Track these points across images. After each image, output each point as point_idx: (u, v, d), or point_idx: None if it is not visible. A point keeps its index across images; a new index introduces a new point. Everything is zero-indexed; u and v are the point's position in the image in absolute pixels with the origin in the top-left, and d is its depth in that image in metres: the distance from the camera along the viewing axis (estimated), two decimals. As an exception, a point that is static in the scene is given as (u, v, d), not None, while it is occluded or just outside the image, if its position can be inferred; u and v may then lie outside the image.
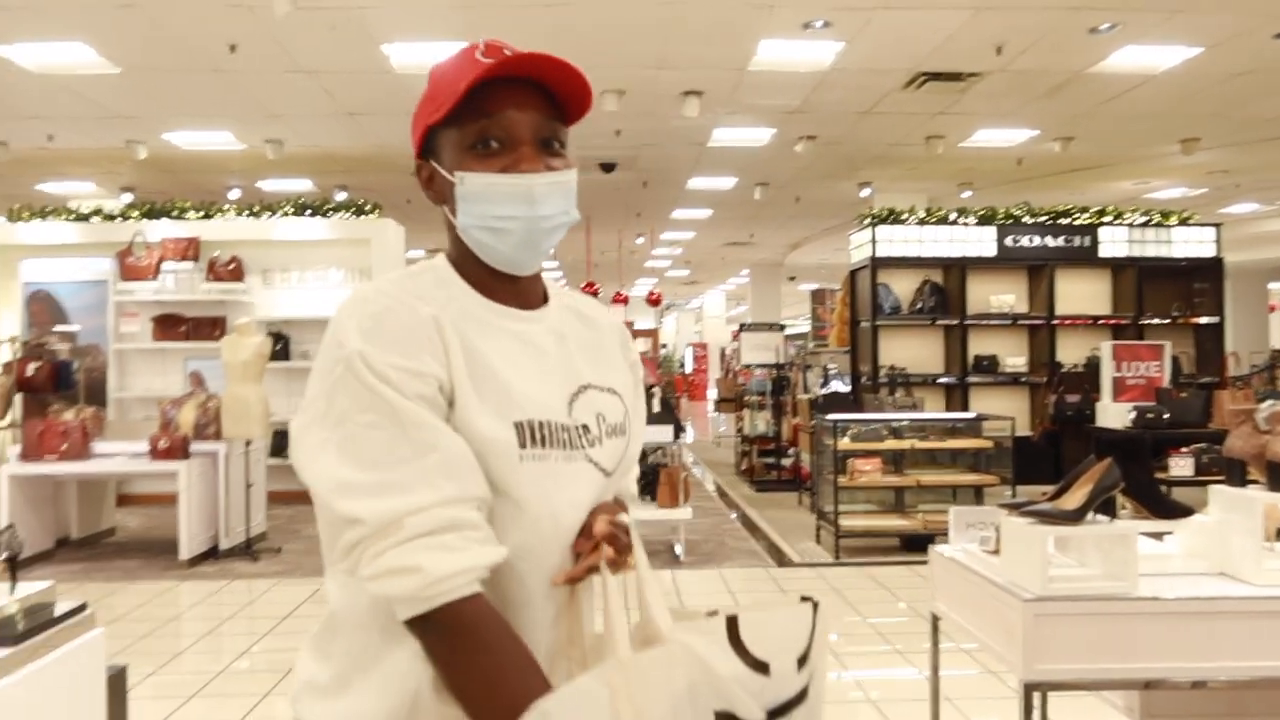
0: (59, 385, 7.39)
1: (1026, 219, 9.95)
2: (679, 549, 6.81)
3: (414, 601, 0.96)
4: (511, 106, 1.11)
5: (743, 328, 11.93)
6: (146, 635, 5.01)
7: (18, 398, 7.36)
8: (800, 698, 1.05)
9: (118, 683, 2.83)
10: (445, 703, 1.01)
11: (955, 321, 9.82)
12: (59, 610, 2.32)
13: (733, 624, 1.01)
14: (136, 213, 8.54)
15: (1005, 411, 7.85)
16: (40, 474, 6.71)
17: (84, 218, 8.49)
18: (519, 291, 1.17)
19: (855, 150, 9.86)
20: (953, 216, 9.90)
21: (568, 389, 1.15)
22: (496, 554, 1.01)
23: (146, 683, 4.19)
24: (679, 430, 6.87)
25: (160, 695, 4.06)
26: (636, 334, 19.77)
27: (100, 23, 6.02)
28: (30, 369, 7.25)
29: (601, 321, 1.29)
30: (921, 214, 9.90)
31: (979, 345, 9.91)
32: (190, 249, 8.15)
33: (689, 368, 27.32)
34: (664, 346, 28.04)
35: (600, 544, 1.10)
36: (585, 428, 1.14)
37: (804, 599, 1.09)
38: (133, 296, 8.14)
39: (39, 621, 2.22)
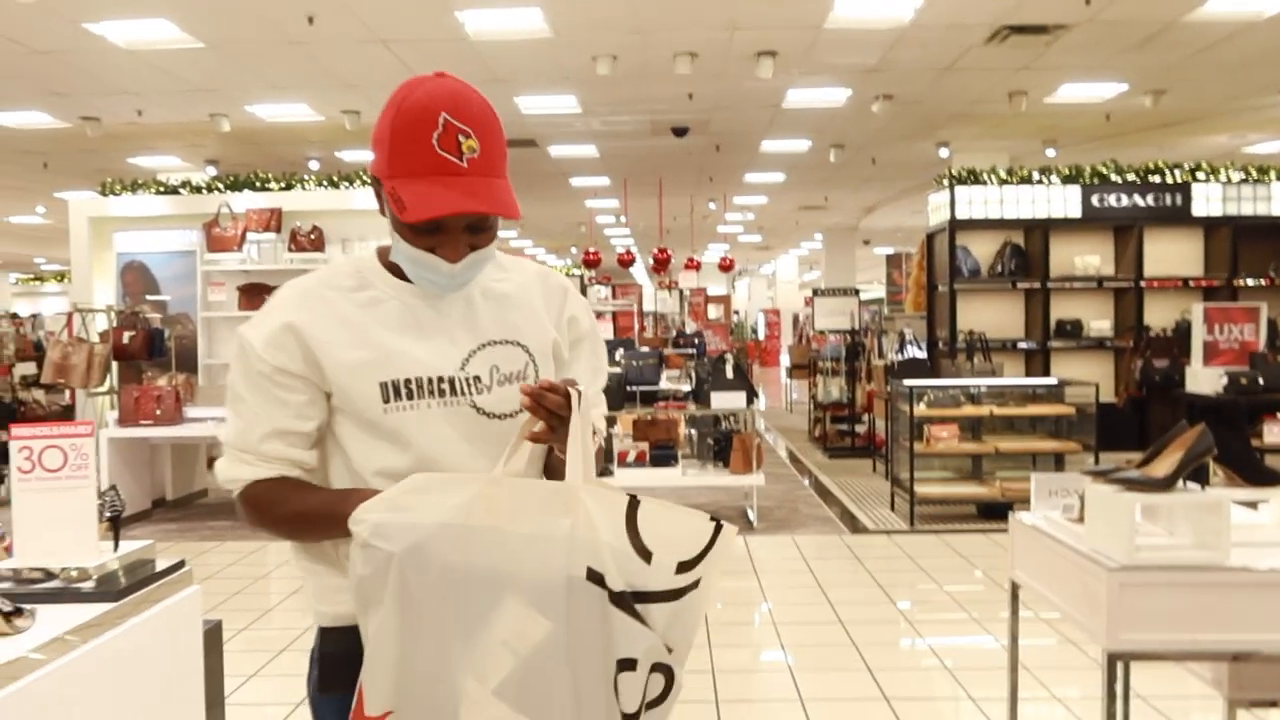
0: (152, 353, 7.68)
1: (1114, 177, 9.58)
2: (752, 515, 6.81)
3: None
4: (453, 217, 1.33)
5: (816, 293, 11.79)
6: (238, 592, 5.22)
7: (114, 365, 7.67)
8: (667, 596, 1.17)
9: (214, 637, 2.95)
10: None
11: (1037, 285, 9.54)
12: (159, 567, 2.43)
13: (633, 506, 1.16)
14: (221, 185, 8.77)
15: (1089, 377, 7.63)
16: (137, 438, 7.01)
17: (172, 190, 8.74)
18: None
19: (934, 109, 9.60)
20: (1036, 176, 9.59)
21: (464, 347, 1.42)
22: (256, 474, 1.40)
23: (239, 637, 4.38)
24: (751, 396, 6.84)
25: (252, 649, 4.24)
26: (709, 300, 19.70)
27: (184, -2, 6.16)
28: (125, 337, 7.55)
29: (534, 286, 1.53)
30: (1003, 174, 9.61)
31: (1062, 309, 9.62)
32: (273, 220, 8.34)
33: (761, 334, 27.13)
34: (736, 313, 27.88)
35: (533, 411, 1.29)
36: (477, 379, 1.41)
37: (712, 519, 1.21)
38: (219, 266, 8.39)
39: (140, 578, 2.32)
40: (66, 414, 8.55)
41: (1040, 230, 9.55)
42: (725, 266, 18.05)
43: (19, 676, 1.82)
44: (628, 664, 1.15)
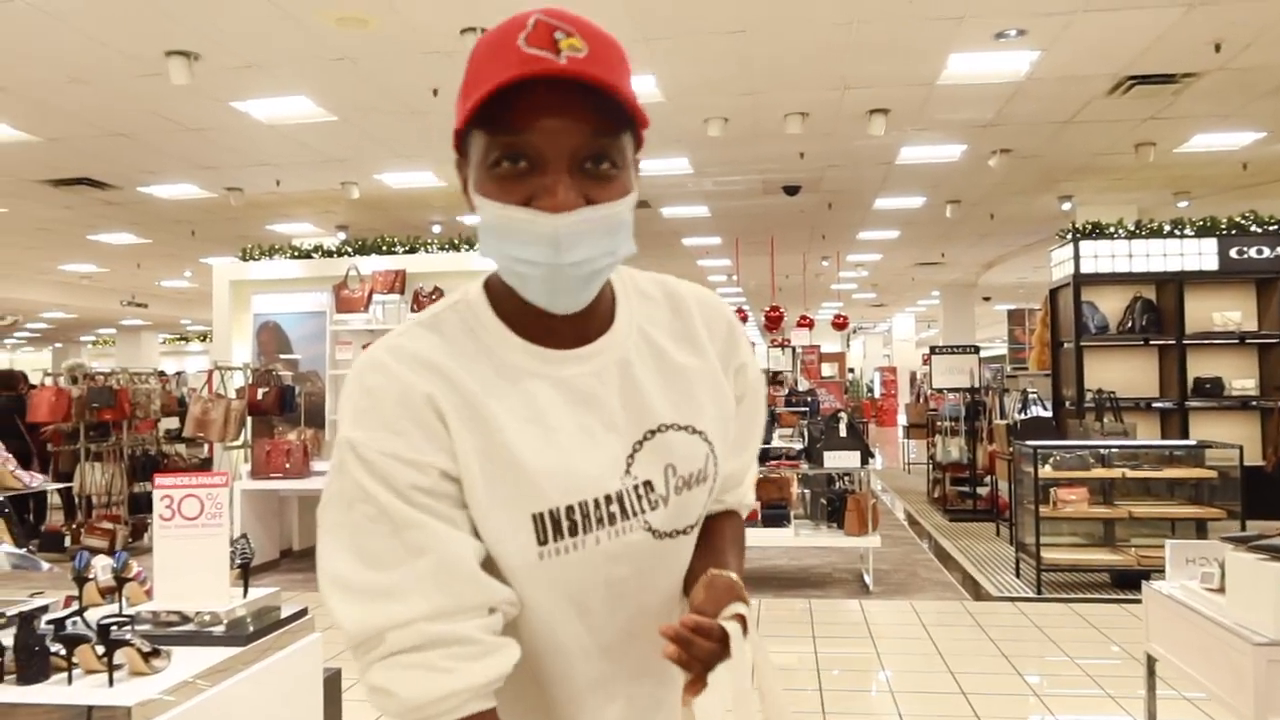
0: (284, 408, 8.05)
1: (1254, 228, 9.10)
2: (868, 578, 6.62)
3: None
4: (547, 116, 0.87)
5: (934, 350, 11.52)
6: (357, 642, 5.36)
7: (248, 420, 8.07)
8: None
9: (333, 684, 3.03)
10: None
11: (1171, 341, 9.08)
12: (283, 614, 2.52)
13: None
14: (350, 248, 9.22)
15: (1231, 438, 7.18)
16: (267, 489, 7.32)
17: (305, 254, 9.24)
18: (567, 324, 0.96)
19: (1055, 162, 9.36)
20: (1167, 228, 9.19)
21: (627, 440, 0.97)
22: (493, 669, 0.88)
23: (358, 687, 4.47)
24: (866, 456, 6.70)
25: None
26: (823, 357, 19.47)
27: (319, 76, 6.57)
28: (260, 394, 7.94)
29: (695, 322, 1.07)
30: (1131, 226, 9.25)
31: (1200, 366, 9.12)
32: (397, 281, 8.71)
33: (877, 392, 26.60)
34: (851, 371, 27.45)
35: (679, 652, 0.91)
36: (648, 485, 0.97)
37: None
38: (347, 326, 8.78)
39: (266, 624, 2.41)
40: (205, 466, 9.02)
41: (1174, 284, 9.11)
42: (839, 324, 17.84)
43: (152, 716, 1.91)
44: None
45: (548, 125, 0.87)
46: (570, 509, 0.93)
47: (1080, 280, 9.15)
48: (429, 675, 0.86)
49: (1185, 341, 9.03)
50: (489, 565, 0.93)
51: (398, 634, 0.86)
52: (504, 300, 0.98)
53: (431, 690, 0.86)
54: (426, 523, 0.89)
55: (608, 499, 0.95)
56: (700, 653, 0.90)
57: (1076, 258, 9.18)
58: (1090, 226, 9.26)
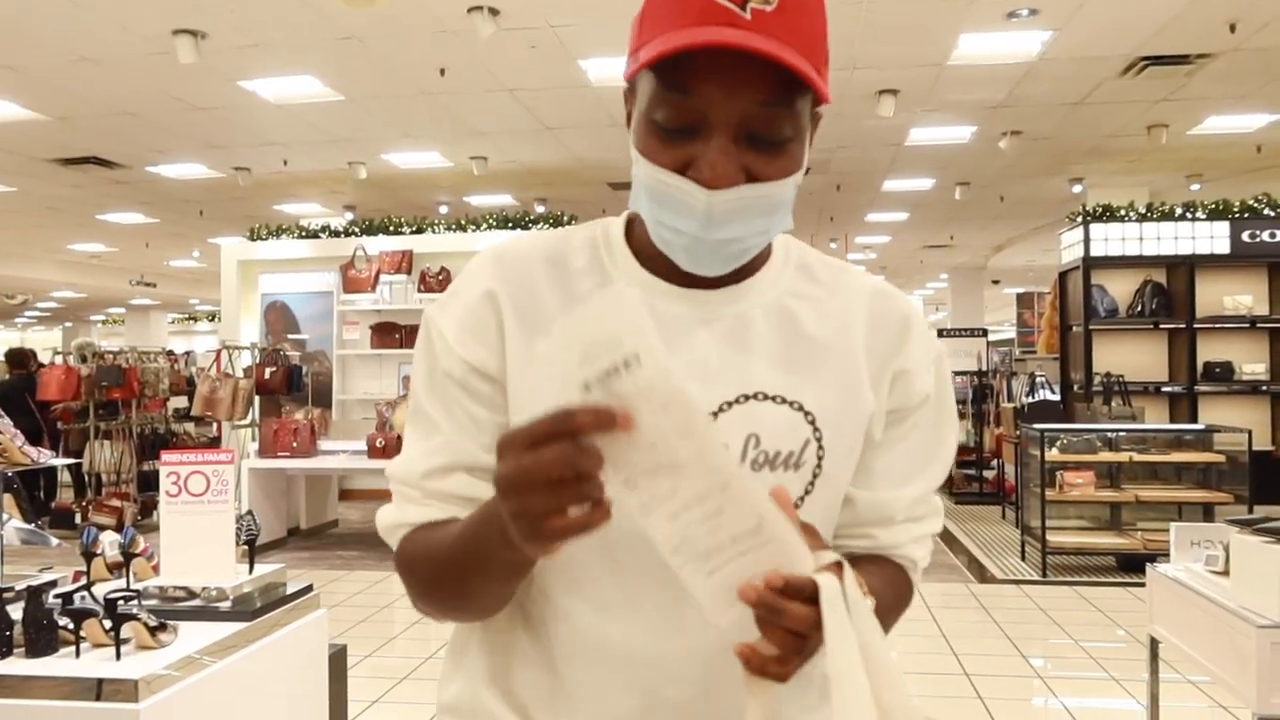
0: (291, 388, 8.08)
1: (1267, 211, 9.03)
2: (873, 560, 6.63)
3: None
4: (717, 79, 0.80)
5: (941, 333, 11.49)
6: (364, 620, 5.39)
7: (256, 399, 8.10)
8: None
9: (339, 660, 3.06)
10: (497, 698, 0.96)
11: (1182, 324, 9.04)
12: (289, 590, 2.54)
13: None
14: (358, 229, 9.22)
15: (1241, 423, 7.16)
16: (275, 468, 7.36)
17: (313, 234, 9.24)
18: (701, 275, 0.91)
19: (1066, 144, 9.29)
20: (1179, 211, 9.13)
21: (715, 396, 0.89)
22: (423, 515, 0.92)
23: (363, 664, 4.51)
24: (873, 438, 6.69)
25: (375, 676, 4.36)
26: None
27: (326, 55, 6.55)
28: (267, 373, 7.97)
29: (857, 313, 0.96)
30: (1142, 209, 9.19)
31: (1210, 350, 9.08)
32: (404, 262, 8.71)
33: (885, 375, 26.54)
34: (858, 353, 27.38)
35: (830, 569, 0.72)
36: (724, 447, 0.79)
37: None
38: (354, 306, 8.79)
39: (271, 600, 2.43)
40: (213, 445, 9.07)
41: (1184, 268, 9.07)
42: (847, 307, 17.77)
43: (156, 690, 1.92)
44: None
45: (716, 90, 0.80)
46: None
47: (1090, 263, 9.11)
48: (386, 510, 0.96)
49: (1195, 325, 8.99)
50: None
51: (397, 483, 0.96)
52: (641, 236, 0.94)
53: (381, 519, 0.97)
54: (434, 418, 0.93)
55: None
56: (790, 620, 0.70)
57: (1087, 240, 9.14)
58: (1101, 209, 9.21)
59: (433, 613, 0.94)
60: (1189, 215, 9.08)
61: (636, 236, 0.95)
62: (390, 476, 0.96)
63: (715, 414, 0.89)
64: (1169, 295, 9.16)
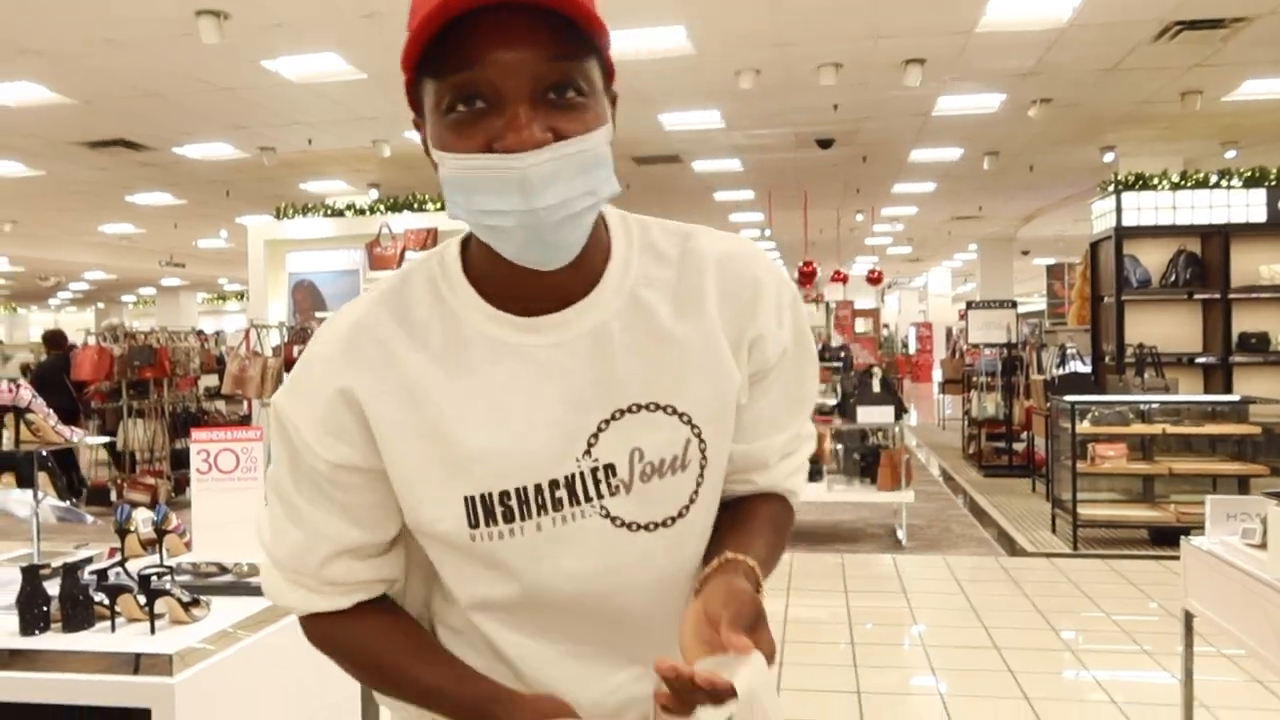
0: (319, 366, 8.12)
1: (1306, 179, 8.83)
2: (901, 533, 6.60)
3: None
4: (495, 45, 0.77)
5: (970, 305, 11.37)
6: (394, 595, 5.45)
7: (285, 377, 8.17)
8: None
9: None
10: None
11: (1216, 295, 8.88)
12: (319, 566, 2.56)
13: None
14: (383, 206, 9.24)
15: (1277, 394, 7.05)
16: (305, 446, 7.42)
17: (338, 213, 9.28)
18: (543, 287, 0.88)
19: (1097, 112, 9.12)
20: (1214, 179, 8.95)
21: (592, 419, 0.89)
22: (318, 605, 0.96)
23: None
24: (900, 411, 6.65)
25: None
26: (856, 313, 19.31)
27: (348, 34, 6.53)
28: (296, 351, 8.02)
29: (707, 285, 0.94)
30: (1175, 178, 9.02)
31: (1245, 321, 8.92)
32: (429, 239, 8.72)
33: (912, 348, 26.39)
34: (885, 326, 27.23)
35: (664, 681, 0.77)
36: (610, 469, 0.90)
37: None
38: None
39: (302, 575, 2.45)
40: (244, 423, 9.16)
41: (1219, 237, 8.90)
42: (874, 279, 17.66)
43: (191, 664, 1.95)
44: None
45: (498, 56, 0.77)
46: (505, 494, 0.88)
47: (1122, 233, 8.95)
48: (281, 588, 0.97)
49: (1230, 295, 8.83)
50: (421, 538, 0.95)
51: (269, 559, 0.98)
52: (479, 260, 0.91)
53: (279, 596, 0.98)
54: (299, 507, 0.94)
55: (554, 484, 0.89)
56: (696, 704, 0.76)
57: (1119, 210, 8.98)
58: (1134, 178, 9.05)
59: (354, 678, 1.02)
60: (1224, 183, 8.91)
61: (473, 264, 0.92)
62: (274, 560, 0.97)
63: (595, 435, 0.89)
64: (1203, 265, 9.00)
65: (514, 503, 0.89)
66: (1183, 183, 8.98)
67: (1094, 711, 3.70)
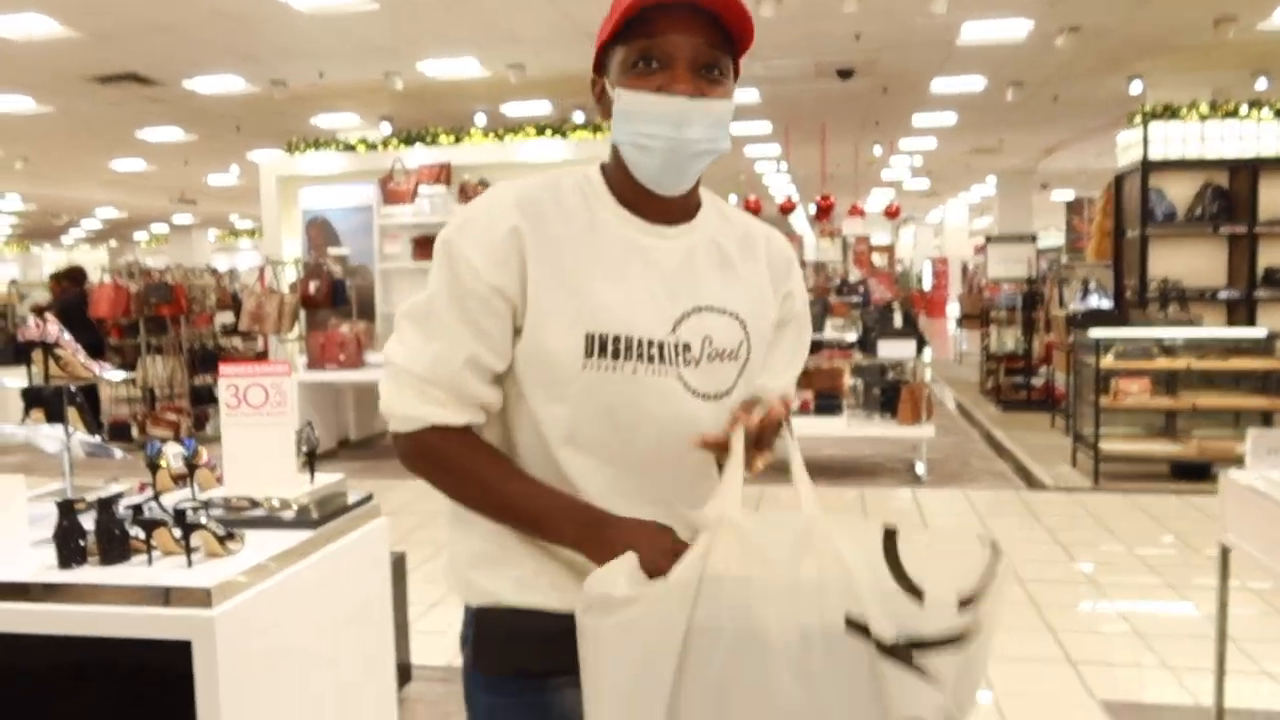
0: (335, 302, 8.12)
1: (1338, 109, 8.61)
2: (920, 467, 6.61)
3: (385, 418, 1.24)
4: (673, 30, 1.14)
5: (990, 240, 11.24)
6: (418, 527, 5.50)
7: (301, 313, 8.16)
8: (954, 640, 0.92)
9: (398, 566, 3.11)
10: (526, 542, 1.21)
11: (1243, 229, 8.73)
12: (350, 500, 2.56)
13: (890, 536, 0.96)
14: (395, 141, 9.12)
15: (1302, 329, 6.95)
16: (323, 381, 7.45)
17: (350, 148, 9.16)
18: (662, 208, 1.22)
19: (1126, 40, 8.86)
20: (1244, 110, 8.73)
21: (678, 307, 1.20)
22: (444, 418, 1.18)
23: (421, 569, 4.60)
24: (921, 345, 6.60)
25: (431, 580, 4.45)
26: (874, 249, 19.14)
27: (360, -41, 6.38)
28: (312, 287, 8.00)
29: (759, 248, 1.31)
30: (1204, 109, 8.80)
31: (1271, 256, 8.78)
32: (443, 174, 8.61)
33: (927, 283, 26.19)
34: (900, 262, 27.00)
35: (738, 424, 1.13)
36: (686, 346, 1.19)
37: (982, 540, 1.01)
38: (394, 220, 8.74)
39: (334, 509, 2.45)
40: (261, 359, 9.19)
41: (1248, 170, 8.71)
42: (892, 213, 17.44)
43: (230, 596, 1.95)
44: None
45: (675, 36, 1.14)
46: (617, 338, 1.16)
47: (1148, 166, 8.78)
48: (407, 400, 1.20)
49: (1257, 230, 8.68)
50: (534, 369, 1.18)
51: (402, 371, 1.20)
52: (615, 181, 1.24)
53: (404, 407, 1.21)
54: (451, 324, 1.17)
55: (651, 343, 1.17)
56: (766, 432, 1.16)
57: (1145, 142, 8.80)
58: (1161, 108, 8.84)
59: (431, 486, 1.25)
60: (1254, 114, 8.69)
61: (611, 183, 1.24)
62: (405, 368, 1.19)
63: (680, 320, 1.20)
64: (1230, 198, 8.83)
65: (622, 346, 1.17)
66: (1212, 114, 8.77)
67: (1119, 643, 3.71)
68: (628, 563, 1.05)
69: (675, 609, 0.97)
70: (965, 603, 0.94)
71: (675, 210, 1.23)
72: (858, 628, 0.92)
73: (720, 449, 1.14)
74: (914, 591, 0.92)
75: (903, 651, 0.91)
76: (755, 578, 0.96)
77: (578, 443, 1.18)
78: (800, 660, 0.93)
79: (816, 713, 0.94)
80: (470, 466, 1.21)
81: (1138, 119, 8.90)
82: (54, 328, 2.32)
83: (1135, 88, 10.32)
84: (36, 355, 2.32)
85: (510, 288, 1.17)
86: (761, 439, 1.15)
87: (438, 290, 1.19)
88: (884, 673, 0.91)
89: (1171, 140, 8.80)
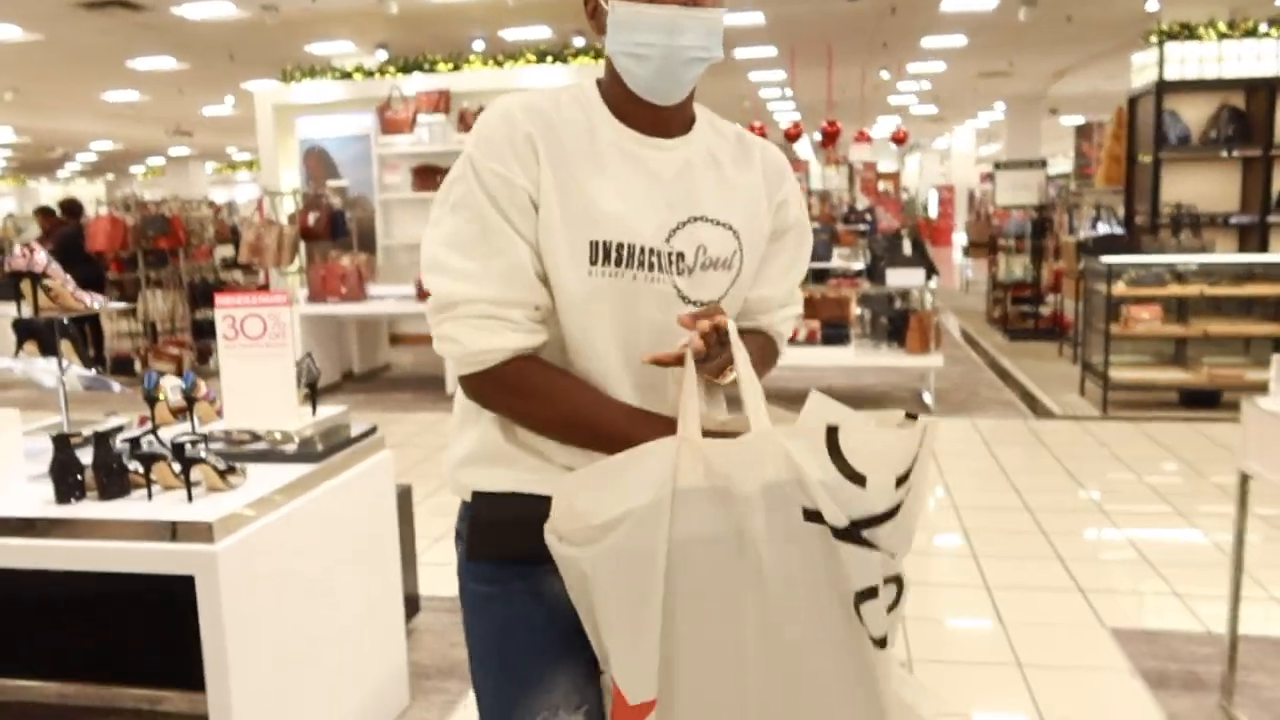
0: (335, 233, 8.00)
1: (1361, 26, 8.35)
2: (928, 397, 6.57)
3: (458, 363, 1.21)
4: None
5: (998, 166, 11.03)
6: (423, 460, 5.48)
7: (301, 245, 8.05)
8: (891, 514, 1.06)
9: (404, 500, 3.08)
10: (515, 444, 1.25)
11: (1257, 152, 8.53)
12: (354, 432, 2.51)
13: (833, 433, 1.04)
14: (393, 68, 8.90)
15: (1318, 254, 6.84)
16: (325, 314, 7.38)
17: (347, 75, 8.94)
18: (657, 119, 1.24)
19: (1144, -46, 8.57)
20: (1263, 29, 8.47)
21: (674, 216, 1.22)
22: (525, 342, 1.18)
23: (426, 503, 4.59)
24: (930, 273, 6.51)
25: (437, 513, 4.44)
26: (879, 176, 18.83)
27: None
28: (311, 219, 7.88)
29: (755, 157, 1.33)
30: (1223, 27, 8.54)
31: (1286, 179, 8.60)
32: (442, 101, 8.42)
33: (933, 211, 25.90)
34: (905, 189, 26.66)
35: (692, 334, 1.14)
36: (680, 255, 1.22)
37: (909, 415, 1.11)
38: (393, 149, 8.57)
39: (337, 442, 2.41)
40: (263, 292, 9.10)
41: (1265, 91, 8.48)
42: (899, 139, 17.11)
43: (235, 529, 1.91)
44: (868, 593, 1.05)
45: None
46: (620, 245, 1.19)
47: (1163, 87, 8.55)
48: (482, 333, 1.17)
49: (1272, 153, 8.49)
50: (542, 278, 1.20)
51: (469, 306, 1.17)
52: (610, 94, 1.25)
53: (484, 343, 1.17)
54: (507, 231, 1.17)
55: (648, 250, 1.20)
56: (710, 337, 1.14)
57: (1161, 62, 8.55)
58: (1179, 27, 8.57)
59: (526, 422, 1.23)
60: (1274, 33, 8.43)
61: (606, 96, 1.26)
62: (473, 297, 1.16)
63: (675, 229, 1.22)
64: (1247, 121, 8.62)
65: (624, 253, 1.19)
66: (1230, 32, 8.52)
67: (1130, 571, 3.70)
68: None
69: (654, 527, 1.04)
70: (901, 479, 1.06)
71: (671, 122, 1.25)
72: (814, 517, 1.03)
73: (674, 364, 1.15)
74: (857, 479, 1.04)
75: (853, 532, 1.04)
76: (719, 488, 1.04)
77: (579, 349, 1.21)
78: (771, 555, 1.04)
79: (791, 598, 1.05)
80: (556, 389, 1.20)
81: (1153, 38, 8.64)
82: (41, 257, 2.25)
83: (1151, 5, 10.03)
84: (25, 286, 2.25)
85: (534, 191, 1.18)
86: (709, 352, 1.15)
87: (476, 211, 1.17)
88: (838, 552, 1.03)
89: (1188, 60, 8.56)
